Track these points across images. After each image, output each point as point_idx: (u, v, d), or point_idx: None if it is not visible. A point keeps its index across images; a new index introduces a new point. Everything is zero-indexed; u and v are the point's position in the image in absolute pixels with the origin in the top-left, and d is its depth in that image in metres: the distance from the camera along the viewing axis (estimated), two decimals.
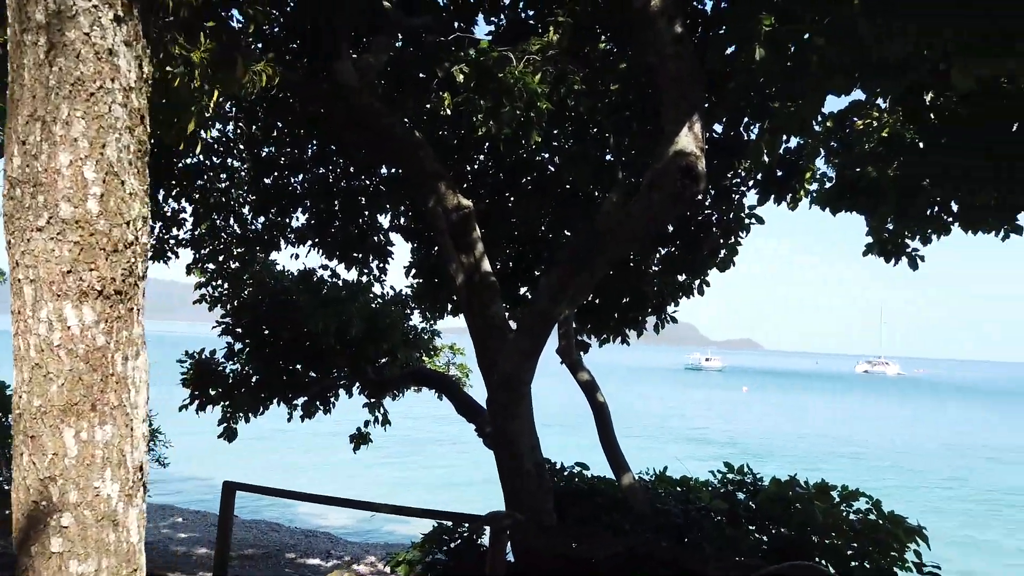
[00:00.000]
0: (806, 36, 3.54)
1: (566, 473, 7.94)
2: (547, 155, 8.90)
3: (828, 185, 7.32)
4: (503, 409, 6.24)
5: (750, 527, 7.05)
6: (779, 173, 8.08)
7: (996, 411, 71.83)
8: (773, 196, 8.24)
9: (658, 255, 9.13)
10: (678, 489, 7.46)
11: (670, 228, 8.79)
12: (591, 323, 9.19)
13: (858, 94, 7.20)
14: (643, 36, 4.73)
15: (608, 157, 8.08)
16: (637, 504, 7.00)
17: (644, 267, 9.05)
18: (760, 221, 8.52)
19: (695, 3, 6.77)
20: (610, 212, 4.55)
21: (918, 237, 8.18)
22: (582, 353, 9.24)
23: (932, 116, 5.80)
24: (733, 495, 7.31)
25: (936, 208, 7.74)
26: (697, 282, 8.95)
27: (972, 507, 25.39)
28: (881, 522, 6.54)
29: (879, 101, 7.37)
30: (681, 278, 9.01)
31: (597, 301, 9.23)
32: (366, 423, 10.57)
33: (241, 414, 9.66)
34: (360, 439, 10.73)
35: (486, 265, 6.66)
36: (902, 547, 6.23)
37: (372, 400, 10.39)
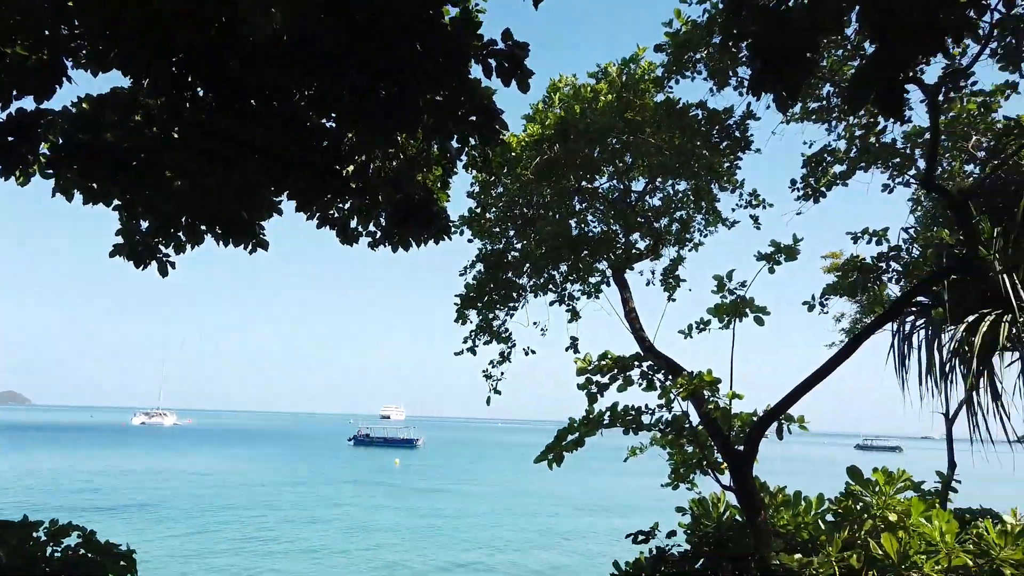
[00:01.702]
0: None
1: None
2: None
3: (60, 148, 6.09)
4: None
5: None
6: (10, 138, 6.51)
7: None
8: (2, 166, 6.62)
9: None
10: None
11: None
12: None
13: None
14: None
15: None
16: None
17: None
18: None
19: None
20: None
21: (172, 244, 7.76)
22: None
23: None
24: None
25: (193, 217, 7.47)
26: None
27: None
28: (91, 554, 5.59)
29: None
30: None
31: None
32: None
33: None
34: None
35: None
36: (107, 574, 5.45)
37: None
